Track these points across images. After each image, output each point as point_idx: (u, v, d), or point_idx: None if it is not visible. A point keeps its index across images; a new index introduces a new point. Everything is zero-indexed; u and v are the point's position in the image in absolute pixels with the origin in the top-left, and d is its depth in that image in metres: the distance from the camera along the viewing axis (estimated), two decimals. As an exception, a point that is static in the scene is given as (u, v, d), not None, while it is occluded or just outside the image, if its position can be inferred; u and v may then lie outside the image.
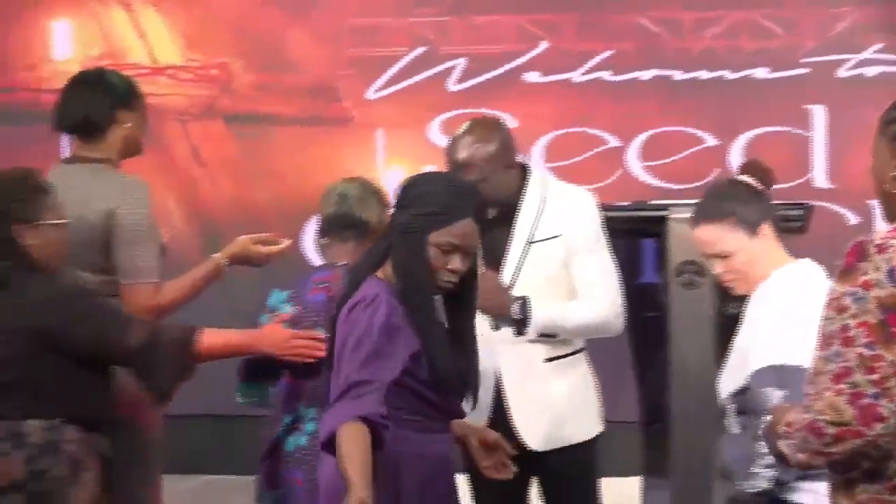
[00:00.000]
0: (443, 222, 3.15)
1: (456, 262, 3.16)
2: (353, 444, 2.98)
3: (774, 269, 3.41)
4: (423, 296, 3.18)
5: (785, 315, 3.23)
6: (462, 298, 3.28)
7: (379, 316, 3.09)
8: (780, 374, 3.10)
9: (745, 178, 3.51)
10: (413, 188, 3.25)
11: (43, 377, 3.44)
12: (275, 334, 3.61)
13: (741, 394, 3.27)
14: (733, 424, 3.33)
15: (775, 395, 3.06)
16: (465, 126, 4.01)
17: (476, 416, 3.64)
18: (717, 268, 3.47)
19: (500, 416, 3.94)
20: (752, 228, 3.39)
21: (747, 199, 3.43)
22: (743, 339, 3.37)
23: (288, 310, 3.68)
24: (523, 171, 4.06)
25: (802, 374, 2.42)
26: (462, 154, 3.91)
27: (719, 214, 3.41)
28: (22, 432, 3.42)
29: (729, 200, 3.43)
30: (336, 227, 3.77)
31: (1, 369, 3.43)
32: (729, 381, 3.35)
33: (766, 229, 3.42)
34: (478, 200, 3.26)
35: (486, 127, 4.03)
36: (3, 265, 3.48)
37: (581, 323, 3.98)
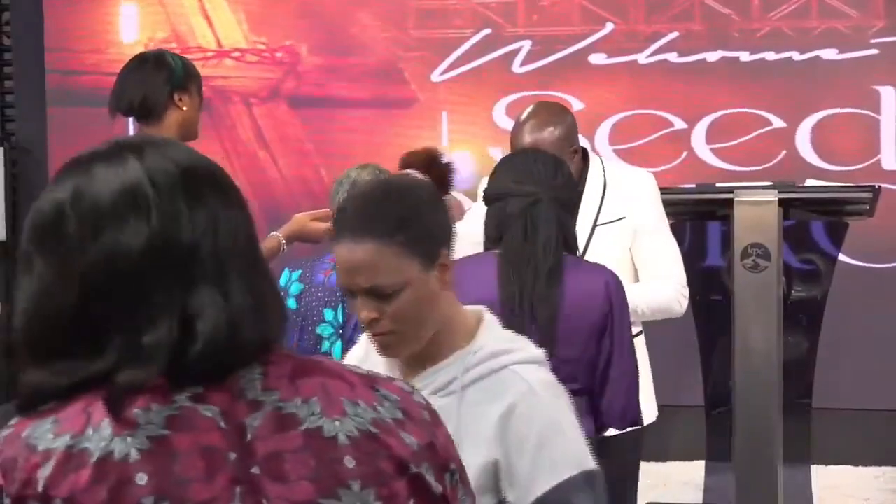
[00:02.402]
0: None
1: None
2: None
3: (459, 326, 2.36)
4: None
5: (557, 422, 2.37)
6: None
7: None
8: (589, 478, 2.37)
9: (415, 174, 2.85)
10: None
11: None
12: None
13: None
14: None
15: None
16: (529, 110, 3.99)
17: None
18: (365, 309, 2.27)
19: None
20: (429, 257, 2.28)
21: (427, 209, 2.32)
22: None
23: (297, 289, 3.63)
24: (584, 155, 4.05)
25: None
26: (527, 139, 3.88)
27: (384, 231, 2.24)
28: None
29: (400, 209, 2.28)
30: None
31: None
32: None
33: (447, 259, 2.33)
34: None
35: (551, 110, 4.01)
36: None
37: (647, 305, 3.96)
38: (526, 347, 2.39)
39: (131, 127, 4.22)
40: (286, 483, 1.36)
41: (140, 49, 6.20)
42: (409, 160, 3.28)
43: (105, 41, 7.09)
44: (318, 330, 3.52)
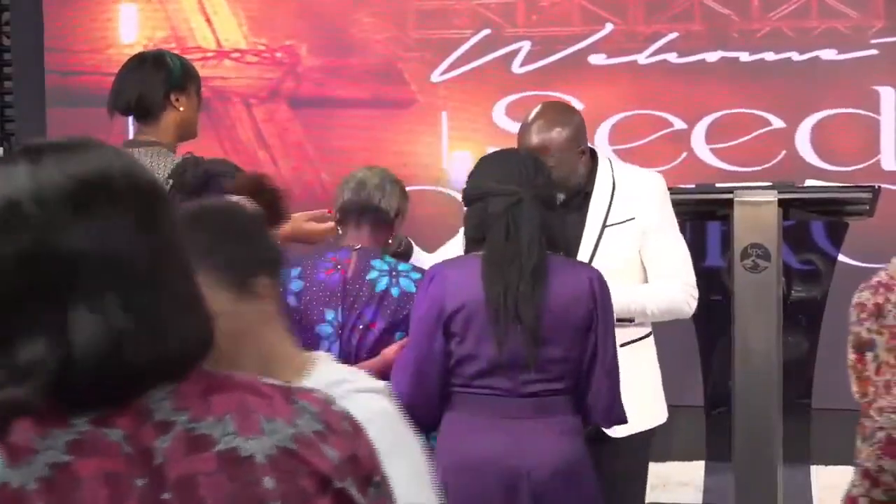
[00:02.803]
0: None
1: None
2: None
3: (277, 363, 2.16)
4: None
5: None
6: None
7: None
8: None
9: (241, 200, 2.73)
10: None
11: None
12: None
13: None
14: None
15: None
16: (536, 110, 3.95)
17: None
18: None
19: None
20: (240, 286, 2.13)
21: (240, 236, 2.19)
22: None
23: (297, 286, 3.57)
24: (593, 155, 4.03)
25: None
26: (535, 139, 3.85)
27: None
28: None
29: (207, 235, 2.13)
30: (353, 212, 3.64)
31: None
32: None
33: (268, 289, 2.18)
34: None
35: (559, 111, 3.99)
36: None
37: (656, 305, 3.94)
38: (365, 378, 2.25)
39: (131, 126, 4.21)
40: None
41: (139, 49, 6.20)
42: (238, 184, 3.08)
43: (104, 41, 7.09)
44: (318, 329, 3.50)
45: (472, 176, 3.40)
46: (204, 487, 1.28)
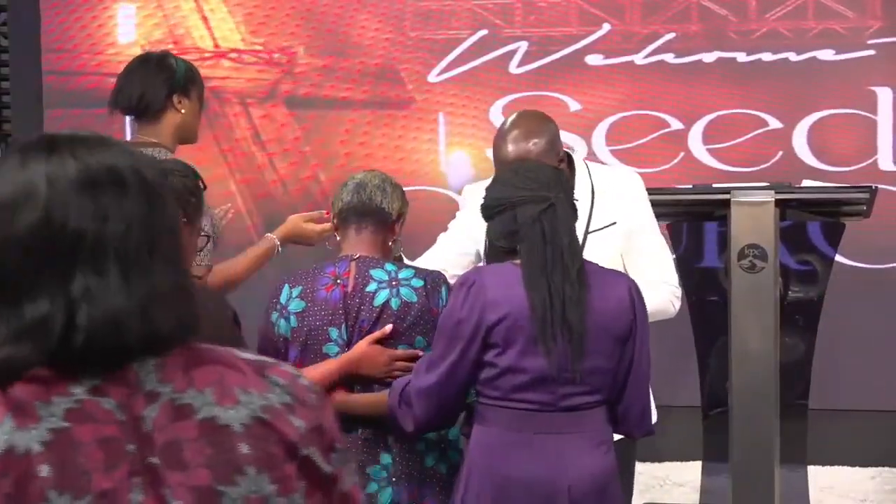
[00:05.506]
0: None
1: None
2: None
3: None
4: None
5: None
6: None
7: None
8: None
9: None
10: None
11: None
12: (374, 357, 3.40)
13: None
14: None
15: None
16: (510, 121, 3.83)
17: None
18: None
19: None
20: None
21: None
22: None
23: (298, 307, 3.47)
24: (570, 161, 3.95)
25: None
26: (511, 152, 3.72)
27: None
28: None
29: None
30: (354, 215, 3.53)
31: None
32: None
33: None
34: None
35: (533, 120, 3.85)
36: None
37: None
38: None
39: (128, 129, 4.21)
40: (185, 470, 1.41)
41: (137, 50, 6.21)
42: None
43: (102, 42, 7.09)
44: (325, 350, 3.46)
45: (491, 189, 3.30)
46: (187, 452, 1.42)
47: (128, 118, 4.25)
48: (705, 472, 4.82)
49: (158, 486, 1.40)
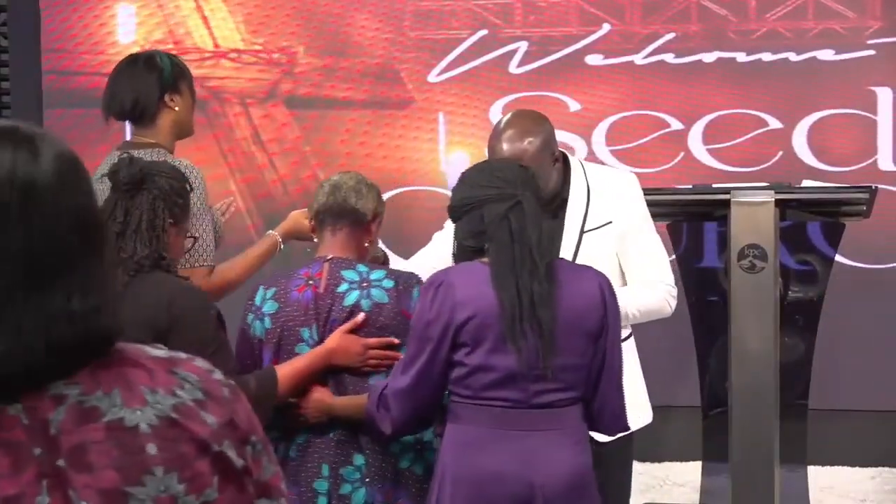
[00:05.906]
0: None
1: None
2: None
3: None
4: None
5: None
6: None
7: None
8: None
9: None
10: None
11: None
12: (348, 347, 3.40)
13: None
14: None
15: None
16: (505, 120, 3.83)
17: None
18: None
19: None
20: None
21: None
22: None
23: (271, 308, 3.47)
24: (565, 161, 3.96)
25: None
26: (506, 151, 3.73)
27: None
28: None
29: None
30: (329, 216, 3.53)
31: None
32: None
33: None
34: None
35: (528, 120, 3.86)
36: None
37: (637, 309, 3.91)
38: None
39: (128, 126, 4.20)
40: (91, 472, 1.40)
41: (138, 50, 6.20)
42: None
43: (102, 42, 7.09)
44: (297, 350, 3.46)
45: (457, 190, 3.29)
46: (93, 454, 1.41)
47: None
48: (705, 472, 4.82)
49: (65, 489, 1.39)
